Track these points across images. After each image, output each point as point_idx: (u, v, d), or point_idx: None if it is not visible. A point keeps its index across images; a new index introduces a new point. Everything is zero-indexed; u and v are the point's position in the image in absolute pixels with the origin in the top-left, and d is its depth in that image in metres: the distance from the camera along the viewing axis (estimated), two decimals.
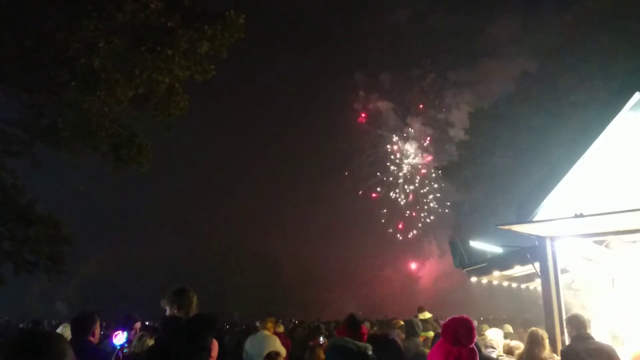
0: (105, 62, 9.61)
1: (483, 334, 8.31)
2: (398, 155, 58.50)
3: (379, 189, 58.35)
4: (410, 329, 6.68)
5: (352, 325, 4.66)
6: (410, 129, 58.06)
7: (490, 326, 9.27)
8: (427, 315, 9.04)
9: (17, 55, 10.28)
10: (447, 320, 3.26)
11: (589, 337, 4.86)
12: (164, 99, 11.01)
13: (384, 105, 59.21)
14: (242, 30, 10.80)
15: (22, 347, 1.31)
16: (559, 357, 5.27)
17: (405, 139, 58.23)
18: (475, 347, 3.14)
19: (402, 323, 8.58)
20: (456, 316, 3.28)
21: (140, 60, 9.98)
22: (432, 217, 55.02)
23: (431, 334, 6.33)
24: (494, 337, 6.07)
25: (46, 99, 11.02)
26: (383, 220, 56.89)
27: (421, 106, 58.04)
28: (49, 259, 13.11)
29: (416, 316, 9.46)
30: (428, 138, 57.46)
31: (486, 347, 5.72)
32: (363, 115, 60.35)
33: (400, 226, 56.75)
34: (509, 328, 8.10)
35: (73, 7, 9.53)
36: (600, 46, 22.38)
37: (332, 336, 6.63)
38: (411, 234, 56.47)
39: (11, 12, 10.03)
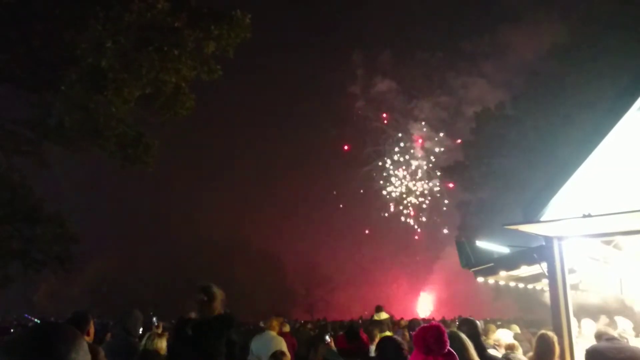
0: (112, 62, 9.65)
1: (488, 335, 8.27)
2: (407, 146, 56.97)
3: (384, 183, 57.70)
4: (413, 329, 6.62)
5: (351, 336, 4.75)
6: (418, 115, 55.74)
7: (498, 327, 9.24)
8: (382, 316, 8.80)
9: (25, 54, 10.36)
10: (416, 330, 3.29)
11: (613, 338, 4.92)
12: (171, 98, 11.06)
13: (387, 88, 57.05)
14: (248, 30, 10.84)
15: (34, 343, 1.24)
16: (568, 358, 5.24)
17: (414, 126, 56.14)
18: (451, 352, 3.13)
19: (407, 322, 8.51)
20: (425, 325, 3.30)
21: (147, 60, 10.03)
22: (438, 217, 54.56)
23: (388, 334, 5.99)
24: (499, 337, 6.13)
25: (53, 99, 11.09)
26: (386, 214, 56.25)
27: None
28: (56, 258, 13.19)
29: (372, 316, 9.21)
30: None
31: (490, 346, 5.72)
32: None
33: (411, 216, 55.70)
34: (516, 328, 8.05)
35: (80, 7, 9.59)
36: (607, 45, 22.26)
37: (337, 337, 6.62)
38: (419, 233, 56.18)
39: (19, 12, 10.10)
